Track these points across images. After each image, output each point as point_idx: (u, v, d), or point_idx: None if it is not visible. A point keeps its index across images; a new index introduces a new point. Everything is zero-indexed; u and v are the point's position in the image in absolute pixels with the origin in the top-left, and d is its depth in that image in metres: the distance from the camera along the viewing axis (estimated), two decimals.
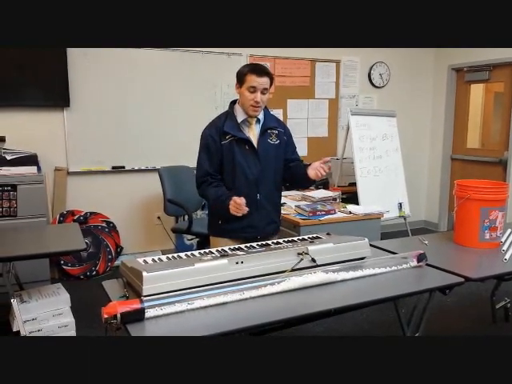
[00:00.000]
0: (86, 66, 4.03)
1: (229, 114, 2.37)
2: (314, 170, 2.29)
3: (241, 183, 2.33)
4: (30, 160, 3.56)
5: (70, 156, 4.06)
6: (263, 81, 2.25)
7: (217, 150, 2.31)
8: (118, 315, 1.41)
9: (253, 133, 2.37)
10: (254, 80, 2.24)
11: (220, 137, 2.31)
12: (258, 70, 2.25)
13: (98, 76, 4.09)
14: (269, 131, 2.40)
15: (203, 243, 3.57)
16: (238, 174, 2.33)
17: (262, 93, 2.27)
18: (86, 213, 4.10)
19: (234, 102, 2.42)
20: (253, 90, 2.25)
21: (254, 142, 2.36)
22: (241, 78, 2.28)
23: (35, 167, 3.57)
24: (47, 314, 2.62)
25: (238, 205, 2.19)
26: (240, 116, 2.34)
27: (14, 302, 2.46)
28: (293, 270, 1.82)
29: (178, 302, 1.53)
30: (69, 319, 2.69)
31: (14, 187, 3.45)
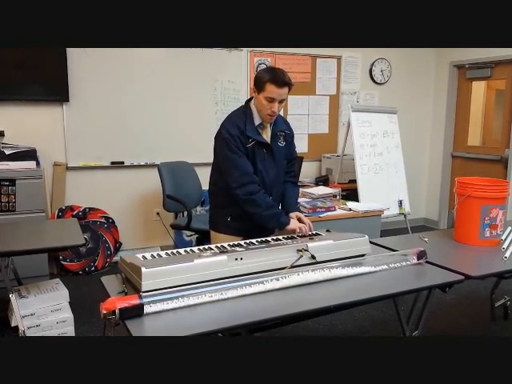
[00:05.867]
0: (86, 60, 4.01)
1: (247, 116, 2.28)
2: (295, 225, 2.23)
3: None
4: (29, 155, 3.55)
5: (69, 151, 4.05)
6: (283, 92, 2.18)
7: (244, 151, 2.24)
8: (117, 311, 1.41)
9: (266, 136, 2.34)
10: (273, 91, 2.16)
11: (244, 139, 2.25)
12: (279, 80, 2.15)
13: (98, 71, 4.06)
14: (278, 133, 2.38)
15: (202, 239, 3.56)
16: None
17: (280, 102, 2.21)
18: (85, 208, 4.09)
19: (249, 100, 2.34)
20: (271, 100, 2.18)
21: None
22: (260, 84, 2.19)
23: (34, 162, 3.56)
24: (46, 310, 2.62)
25: (304, 233, 2.21)
26: (256, 119, 2.28)
27: (12, 297, 2.46)
28: (292, 266, 1.82)
29: (176, 297, 1.53)
30: (67, 314, 2.69)
31: (12, 182, 3.44)
